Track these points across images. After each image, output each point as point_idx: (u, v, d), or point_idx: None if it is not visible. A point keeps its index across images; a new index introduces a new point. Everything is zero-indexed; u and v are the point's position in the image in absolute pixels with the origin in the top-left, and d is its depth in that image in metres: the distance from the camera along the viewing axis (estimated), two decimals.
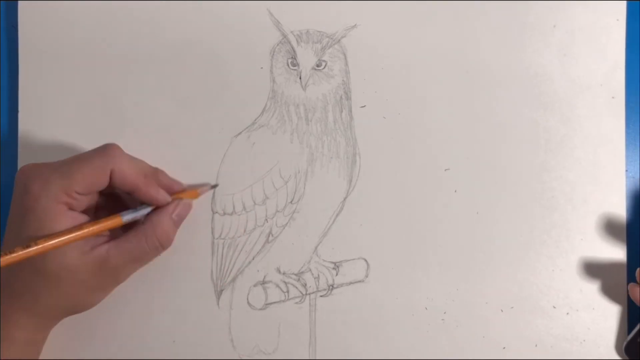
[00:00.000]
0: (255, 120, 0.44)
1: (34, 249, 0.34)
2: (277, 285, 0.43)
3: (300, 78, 0.44)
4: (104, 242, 0.37)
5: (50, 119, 0.43)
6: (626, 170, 0.44)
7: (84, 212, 0.38)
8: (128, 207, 0.40)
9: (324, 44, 0.44)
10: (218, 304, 0.43)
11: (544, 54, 0.44)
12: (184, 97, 0.44)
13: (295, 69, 0.44)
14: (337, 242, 0.44)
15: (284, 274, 0.44)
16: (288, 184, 0.43)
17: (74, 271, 0.36)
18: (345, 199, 0.44)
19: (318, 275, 0.43)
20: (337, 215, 0.44)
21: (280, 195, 0.43)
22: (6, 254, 0.33)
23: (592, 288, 0.44)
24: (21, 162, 0.43)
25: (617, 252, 0.44)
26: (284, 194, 0.43)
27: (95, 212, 0.40)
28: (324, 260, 0.44)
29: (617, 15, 0.44)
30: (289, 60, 0.44)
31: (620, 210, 0.44)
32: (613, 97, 0.44)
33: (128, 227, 0.39)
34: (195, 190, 0.42)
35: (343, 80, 0.44)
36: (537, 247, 0.44)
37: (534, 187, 0.44)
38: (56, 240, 0.35)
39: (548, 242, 0.44)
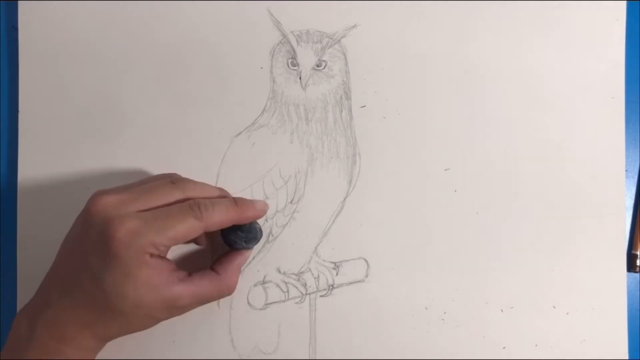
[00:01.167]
0: (255, 120, 0.44)
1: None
2: (277, 285, 0.43)
3: (300, 78, 0.44)
4: (178, 280, 0.38)
5: (50, 119, 0.43)
6: (626, 170, 0.44)
7: None
8: None
9: (324, 44, 0.44)
10: (218, 304, 0.43)
11: (543, 54, 0.44)
12: (184, 97, 0.44)
13: (295, 69, 0.44)
14: (337, 242, 0.44)
15: (284, 274, 0.44)
16: (288, 184, 0.43)
17: (148, 309, 0.37)
18: (345, 199, 0.44)
19: (318, 275, 0.43)
20: (337, 215, 0.44)
21: (280, 195, 0.43)
22: None
23: (592, 288, 0.44)
24: (21, 162, 0.43)
25: (617, 252, 0.44)
26: (284, 194, 0.43)
27: None
28: (324, 260, 0.44)
29: (617, 15, 0.44)
30: (289, 60, 0.44)
31: (620, 210, 0.44)
32: (613, 97, 0.44)
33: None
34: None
35: (343, 80, 0.44)
36: (537, 247, 0.44)
37: (534, 187, 0.44)
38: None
39: (548, 242, 0.44)
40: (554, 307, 0.44)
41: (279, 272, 0.44)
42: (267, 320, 0.43)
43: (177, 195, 0.38)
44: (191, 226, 0.37)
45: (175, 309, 0.38)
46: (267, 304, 0.43)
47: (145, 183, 0.39)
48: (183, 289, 0.38)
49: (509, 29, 0.44)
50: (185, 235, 0.37)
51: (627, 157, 0.44)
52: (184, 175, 0.41)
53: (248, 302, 0.43)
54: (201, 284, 0.39)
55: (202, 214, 0.37)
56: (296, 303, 0.44)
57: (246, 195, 0.43)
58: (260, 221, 0.42)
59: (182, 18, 0.44)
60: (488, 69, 0.44)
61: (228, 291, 0.40)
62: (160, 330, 0.43)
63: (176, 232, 0.37)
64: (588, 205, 0.44)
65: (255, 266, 0.43)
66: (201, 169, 0.43)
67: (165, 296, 0.37)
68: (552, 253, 0.44)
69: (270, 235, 0.43)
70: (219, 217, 0.38)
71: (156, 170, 0.43)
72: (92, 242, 0.36)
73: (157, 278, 0.37)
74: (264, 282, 0.43)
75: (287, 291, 0.43)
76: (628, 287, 0.44)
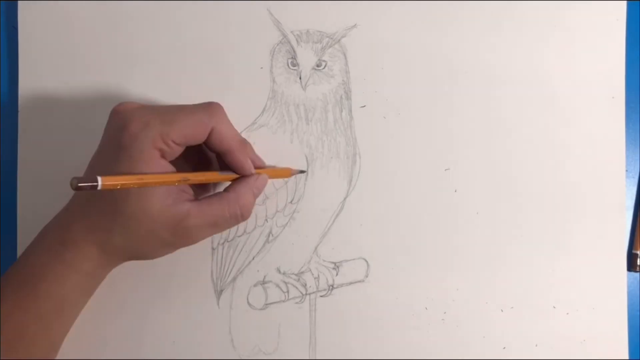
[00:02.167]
0: (255, 120, 0.44)
1: (134, 178, 0.34)
2: (277, 285, 0.43)
3: (300, 78, 0.44)
4: (186, 200, 0.37)
5: (50, 119, 0.43)
6: (626, 170, 0.44)
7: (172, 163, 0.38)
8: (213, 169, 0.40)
9: (324, 44, 0.44)
10: (218, 304, 0.43)
11: (544, 54, 0.44)
12: (184, 97, 0.44)
13: (295, 69, 0.44)
14: (337, 242, 0.44)
15: (284, 274, 0.44)
16: (288, 184, 0.43)
17: (152, 219, 0.36)
18: (345, 199, 0.44)
19: (318, 275, 0.43)
20: (337, 215, 0.44)
21: (280, 195, 0.43)
22: (107, 178, 0.32)
23: (592, 288, 0.44)
24: (21, 162, 0.43)
25: (617, 252, 0.44)
26: (284, 194, 0.43)
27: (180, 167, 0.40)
28: (324, 260, 0.44)
29: (617, 15, 0.44)
30: (289, 60, 0.44)
31: (620, 210, 0.44)
32: (613, 97, 0.44)
33: (203, 193, 0.40)
34: (288, 169, 0.42)
35: (343, 80, 0.44)
36: (537, 246, 0.44)
37: (534, 187, 0.44)
38: (154, 178, 0.35)
39: (548, 242, 0.44)
40: (554, 307, 0.44)
41: (279, 272, 0.44)
42: (267, 320, 0.43)
43: (202, 118, 0.37)
44: (199, 120, 0.37)
45: (184, 229, 0.37)
46: (267, 304, 0.43)
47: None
48: (191, 206, 0.37)
49: (509, 29, 0.44)
50: (194, 130, 0.36)
51: (627, 157, 0.44)
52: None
53: (248, 302, 0.43)
54: (211, 201, 0.37)
55: (212, 115, 0.37)
56: (296, 303, 0.44)
57: None
58: (260, 221, 0.42)
59: (182, 18, 0.44)
60: (488, 69, 0.44)
61: (241, 211, 0.38)
62: (160, 330, 0.43)
63: (183, 125, 0.36)
64: (588, 205, 0.44)
65: (255, 266, 0.43)
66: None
67: (171, 209, 0.36)
68: (552, 253, 0.44)
69: (270, 235, 0.43)
70: (227, 130, 0.38)
71: None
72: (109, 137, 0.37)
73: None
74: (264, 282, 0.43)
75: (287, 291, 0.43)
76: (628, 287, 0.44)
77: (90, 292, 0.39)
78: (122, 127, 0.36)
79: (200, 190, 0.41)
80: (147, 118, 0.36)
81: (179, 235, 0.37)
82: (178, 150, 0.37)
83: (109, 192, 0.35)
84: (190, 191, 0.38)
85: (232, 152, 0.38)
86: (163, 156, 0.36)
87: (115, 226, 0.36)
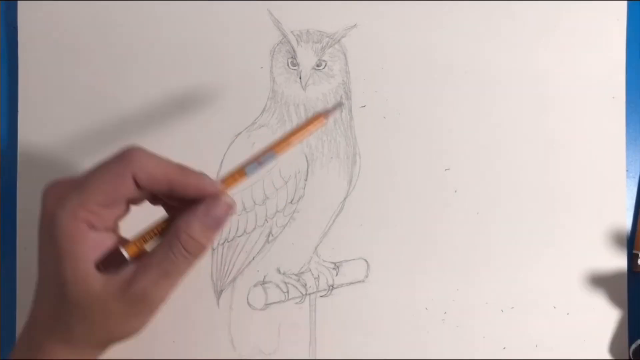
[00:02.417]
0: (255, 120, 0.44)
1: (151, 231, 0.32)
2: (277, 286, 0.43)
3: (300, 78, 0.44)
4: (128, 262, 0.33)
5: (50, 119, 0.43)
6: (626, 170, 0.44)
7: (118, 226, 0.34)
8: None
9: (324, 44, 0.44)
10: (218, 304, 0.43)
11: (544, 54, 0.44)
12: (184, 97, 0.44)
13: (295, 69, 0.44)
14: (337, 242, 0.44)
15: (284, 274, 0.44)
16: (288, 184, 0.43)
17: (99, 299, 0.32)
18: (345, 199, 0.44)
19: (318, 275, 0.43)
20: (337, 215, 0.44)
21: (280, 195, 0.43)
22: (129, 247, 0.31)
23: (592, 288, 0.44)
24: (21, 162, 0.43)
25: (617, 252, 0.44)
26: (284, 194, 0.43)
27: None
28: (324, 261, 0.44)
29: (617, 15, 0.44)
30: (289, 60, 0.44)
31: (620, 210, 0.44)
32: (613, 97, 0.44)
33: None
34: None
35: (343, 80, 0.44)
36: (537, 247, 0.44)
37: (534, 187, 0.44)
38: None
39: (548, 242, 0.44)
40: (554, 307, 0.44)
41: (279, 272, 0.44)
42: (267, 320, 0.43)
43: (116, 169, 0.32)
44: (116, 174, 0.32)
45: (135, 295, 0.32)
46: (267, 304, 0.43)
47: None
48: (136, 265, 0.32)
49: (509, 29, 0.44)
50: (112, 186, 0.32)
51: (627, 157, 0.44)
52: None
53: (248, 303, 0.43)
54: (154, 250, 0.32)
55: (127, 161, 0.32)
56: (296, 303, 0.44)
57: (246, 195, 0.43)
58: (260, 221, 0.42)
59: (182, 18, 0.44)
60: (488, 69, 0.44)
61: (188, 250, 0.32)
62: (160, 330, 0.43)
63: (100, 185, 0.31)
64: (588, 205, 0.44)
65: (255, 266, 0.43)
66: (201, 168, 0.43)
67: (116, 279, 0.32)
68: (552, 253, 0.44)
69: (270, 235, 0.43)
70: (155, 167, 0.32)
71: None
72: (39, 228, 0.33)
73: (96, 254, 0.32)
74: (264, 283, 0.43)
75: (287, 291, 0.43)
76: (628, 287, 0.44)
77: None
78: (42, 212, 0.33)
79: None
80: (61, 192, 0.32)
81: (133, 304, 0.32)
82: (112, 215, 0.33)
83: (43, 279, 0.33)
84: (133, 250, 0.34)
85: (177, 183, 0.33)
86: (94, 226, 0.32)
87: (68, 317, 0.32)
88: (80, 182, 0.32)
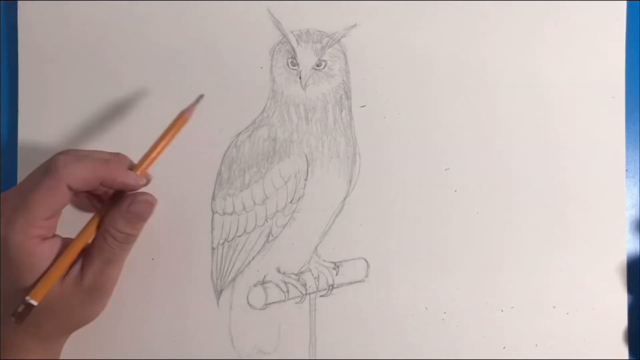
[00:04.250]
0: (255, 120, 0.44)
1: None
2: (277, 285, 0.43)
3: (300, 78, 0.44)
4: (78, 259, 0.36)
5: (50, 119, 0.43)
6: (626, 170, 0.44)
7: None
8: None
9: (324, 44, 0.44)
10: (218, 304, 0.43)
11: (544, 54, 0.44)
12: (184, 97, 0.44)
13: (295, 69, 0.44)
14: (337, 242, 0.44)
15: (284, 273, 0.44)
16: (288, 184, 0.43)
17: (60, 297, 0.36)
18: (345, 199, 0.44)
19: (318, 275, 0.43)
20: (337, 215, 0.44)
21: (280, 195, 0.43)
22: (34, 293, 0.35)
23: (592, 288, 0.44)
24: (21, 162, 0.43)
25: (617, 252, 0.44)
26: (284, 194, 0.43)
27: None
28: (324, 260, 0.44)
29: (617, 15, 0.44)
30: (289, 60, 0.44)
31: (620, 210, 0.44)
32: (613, 97, 0.44)
33: None
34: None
35: (343, 80, 0.44)
36: (537, 246, 0.44)
37: (534, 187, 0.44)
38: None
39: (548, 242, 0.44)
40: (554, 307, 0.44)
41: (279, 272, 0.44)
42: (267, 320, 0.43)
43: (48, 182, 0.35)
44: (52, 187, 0.34)
45: (87, 287, 0.36)
46: (267, 304, 0.43)
47: None
48: (82, 259, 0.36)
49: (509, 29, 0.44)
50: (52, 201, 0.35)
51: (627, 157, 0.44)
52: (184, 175, 0.41)
53: (248, 302, 0.43)
54: (94, 241, 0.36)
55: (62, 172, 0.35)
56: (296, 303, 0.44)
57: (246, 195, 0.43)
58: (260, 221, 0.42)
59: (182, 18, 0.44)
60: (488, 68, 0.44)
61: (117, 239, 0.36)
62: (160, 330, 0.43)
63: (41, 203, 0.34)
64: (588, 205, 0.44)
65: (255, 266, 0.43)
66: (201, 169, 0.43)
67: (66, 276, 0.36)
68: (552, 253, 0.44)
69: (270, 235, 0.43)
70: (83, 172, 0.35)
71: (156, 170, 0.43)
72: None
73: (50, 259, 0.35)
74: (263, 282, 0.43)
75: (287, 291, 0.43)
76: (628, 287, 0.44)
77: None
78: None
79: None
80: (8, 216, 0.35)
81: (90, 292, 0.37)
82: (57, 217, 0.36)
83: (19, 296, 0.35)
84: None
85: (104, 178, 0.36)
86: (45, 237, 0.35)
87: (38, 319, 0.36)
88: (23, 204, 0.35)
